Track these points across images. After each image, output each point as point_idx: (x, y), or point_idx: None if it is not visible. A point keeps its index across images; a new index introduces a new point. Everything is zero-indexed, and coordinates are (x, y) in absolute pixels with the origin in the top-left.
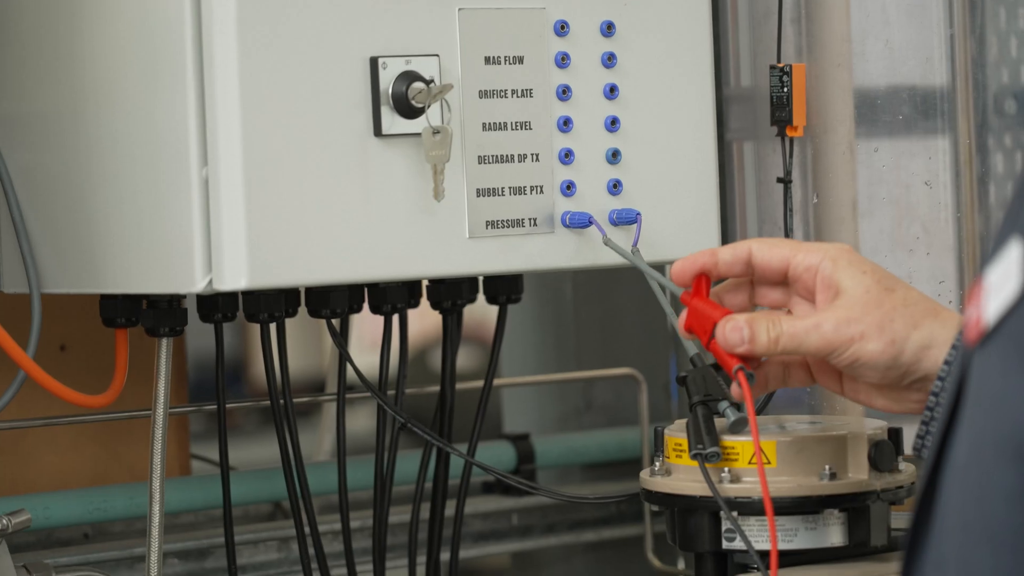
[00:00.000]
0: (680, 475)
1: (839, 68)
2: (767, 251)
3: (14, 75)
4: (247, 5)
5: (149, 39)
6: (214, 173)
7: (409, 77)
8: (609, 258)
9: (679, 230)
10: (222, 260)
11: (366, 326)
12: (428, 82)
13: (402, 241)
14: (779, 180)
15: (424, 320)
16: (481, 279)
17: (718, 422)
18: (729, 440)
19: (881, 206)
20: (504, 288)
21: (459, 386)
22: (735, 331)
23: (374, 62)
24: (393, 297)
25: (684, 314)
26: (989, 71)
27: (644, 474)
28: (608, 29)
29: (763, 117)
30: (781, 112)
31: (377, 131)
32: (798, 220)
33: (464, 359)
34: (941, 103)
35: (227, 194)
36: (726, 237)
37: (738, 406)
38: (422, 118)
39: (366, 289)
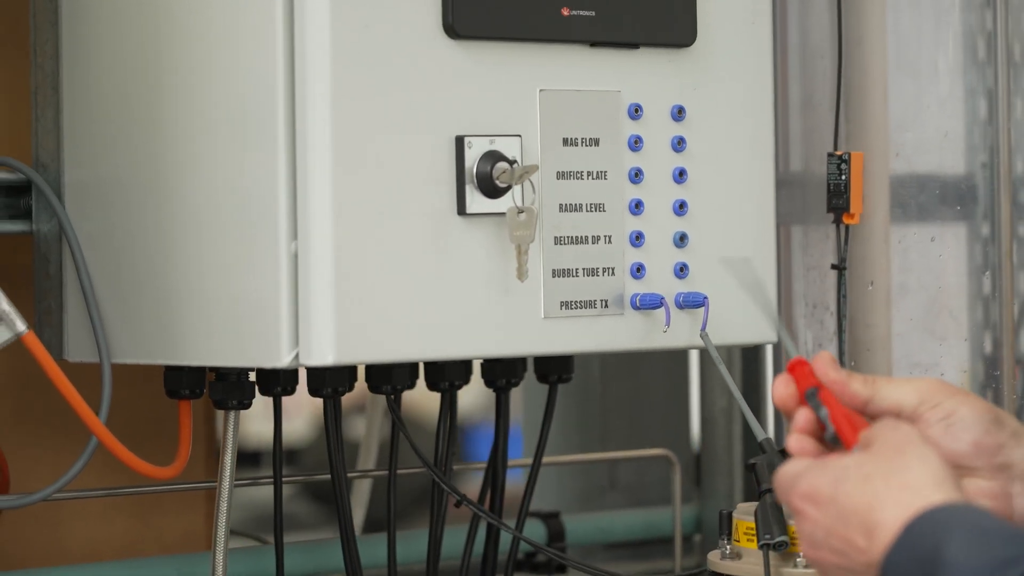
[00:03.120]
0: (751, 559)
1: (877, 155)
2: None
3: (85, 142)
4: (341, 81)
5: (240, 110)
6: (304, 247)
7: (493, 157)
8: (675, 341)
9: (739, 314)
10: (309, 335)
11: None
12: (511, 162)
13: (482, 319)
14: (834, 267)
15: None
16: (531, 358)
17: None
18: None
19: (915, 292)
20: (556, 368)
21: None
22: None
23: (460, 141)
24: (451, 374)
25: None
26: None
27: (713, 556)
28: (679, 113)
29: (812, 202)
30: (838, 199)
31: (461, 210)
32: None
33: None
34: (981, 192)
35: (317, 269)
36: None
37: None
38: (504, 198)
39: (423, 366)
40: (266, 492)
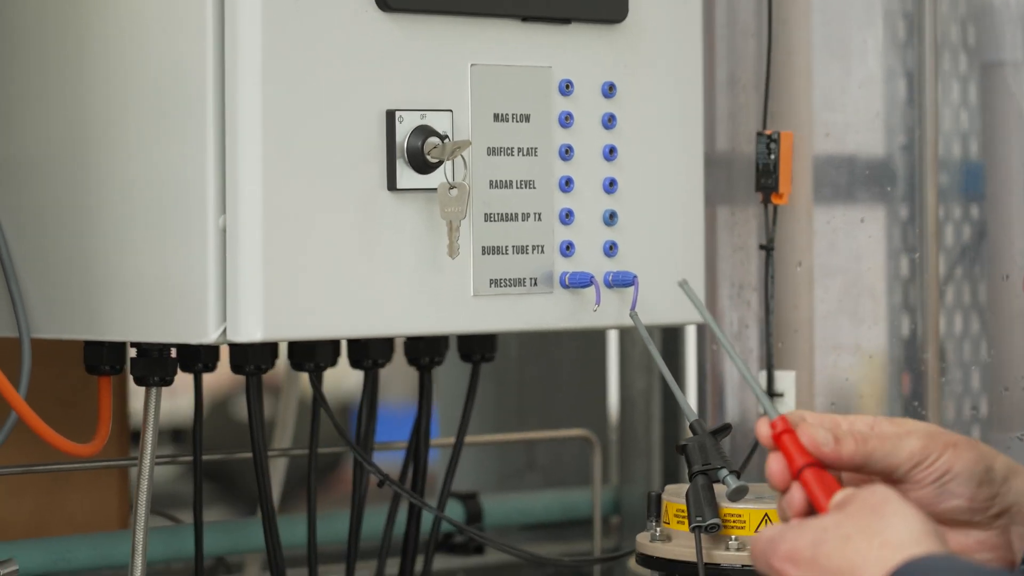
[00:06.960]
0: (681, 541)
1: (802, 136)
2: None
3: (5, 118)
4: (272, 54)
5: (168, 84)
6: (232, 222)
7: (424, 132)
8: (605, 320)
9: (667, 294)
10: (237, 311)
11: None
12: (443, 137)
13: (411, 297)
14: (762, 247)
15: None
16: (454, 337)
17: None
18: (736, 508)
19: (835, 274)
20: (480, 347)
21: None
22: (820, 433)
23: (391, 115)
24: (375, 352)
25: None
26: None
27: (642, 538)
28: (610, 90)
29: (738, 182)
30: (767, 179)
31: (391, 185)
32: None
33: None
34: (900, 173)
35: (245, 244)
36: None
37: (738, 473)
38: (434, 174)
39: (346, 343)
40: (163, 470)
